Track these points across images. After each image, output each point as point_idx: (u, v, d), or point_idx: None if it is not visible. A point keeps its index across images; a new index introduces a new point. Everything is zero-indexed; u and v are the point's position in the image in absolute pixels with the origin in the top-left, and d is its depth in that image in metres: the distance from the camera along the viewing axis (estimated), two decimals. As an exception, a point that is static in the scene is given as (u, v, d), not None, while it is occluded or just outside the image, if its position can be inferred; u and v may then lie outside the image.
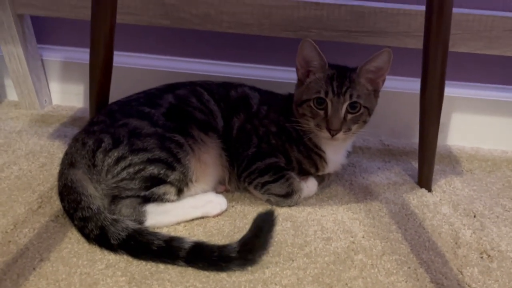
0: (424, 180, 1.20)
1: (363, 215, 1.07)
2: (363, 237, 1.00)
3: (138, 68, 1.46)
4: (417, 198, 1.15)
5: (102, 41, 1.10)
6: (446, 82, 1.07)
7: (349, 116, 1.02)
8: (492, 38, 1.24)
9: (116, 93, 1.15)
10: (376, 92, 1.07)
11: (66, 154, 1.03)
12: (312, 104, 1.03)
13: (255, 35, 1.32)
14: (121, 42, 1.41)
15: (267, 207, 1.07)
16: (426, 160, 1.17)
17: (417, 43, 1.21)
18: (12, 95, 1.56)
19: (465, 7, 1.24)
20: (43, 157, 1.22)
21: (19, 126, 1.40)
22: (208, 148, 1.04)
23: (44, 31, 1.49)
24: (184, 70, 1.44)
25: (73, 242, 0.93)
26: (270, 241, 0.93)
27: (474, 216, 1.09)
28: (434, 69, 1.05)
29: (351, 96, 1.01)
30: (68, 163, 1.00)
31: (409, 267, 0.92)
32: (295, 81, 1.10)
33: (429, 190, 1.19)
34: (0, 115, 1.46)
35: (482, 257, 0.96)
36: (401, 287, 0.87)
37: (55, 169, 1.06)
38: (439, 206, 1.12)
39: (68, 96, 1.56)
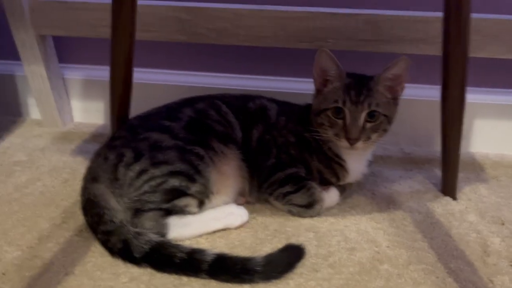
0: (448, 188, 1.17)
1: (387, 225, 1.05)
2: (387, 246, 0.98)
3: (157, 84, 1.48)
4: (442, 207, 1.12)
5: (122, 58, 1.12)
6: (468, 88, 1.05)
7: (368, 125, 1.01)
8: (512, 42, 1.23)
9: (136, 109, 1.17)
10: (395, 100, 1.06)
11: (88, 169, 1.05)
12: (330, 114, 1.03)
13: (271, 47, 1.33)
14: (140, 59, 1.43)
15: (289, 218, 1.06)
16: (449, 168, 1.15)
17: (436, 50, 1.20)
18: (35, 113, 1.60)
19: (484, 12, 1.22)
20: (66, 173, 1.24)
21: (42, 143, 1.42)
22: (228, 160, 1.04)
23: (65, 50, 1.53)
24: (202, 84, 1.46)
25: (97, 255, 0.93)
26: (297, 264, 0.91)
27: (503, 224, 1.06)
28: (455, 76, 1.03)
29: (369, 105, 1.00)
30: (90, 177, 1.02)
31: (437, 277, 0.89)
32: (313, 92, 1.10)
33: (454, 198, 1.16)
34: (23, 133, 1.50)
35: (512, 265, 0.93)
36: (429, 297, 0.85)
37: (77, 185, 1.07)
38: (465, 214, 1.09)
39: (89, 113, 1.59)
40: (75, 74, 1.54)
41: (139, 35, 1.25)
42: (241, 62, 1.45)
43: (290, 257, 0.91)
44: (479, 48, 1.24)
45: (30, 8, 1.37)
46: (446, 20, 0.98)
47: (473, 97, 1.36)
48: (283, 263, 0.89)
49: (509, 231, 1.03)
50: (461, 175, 1.24)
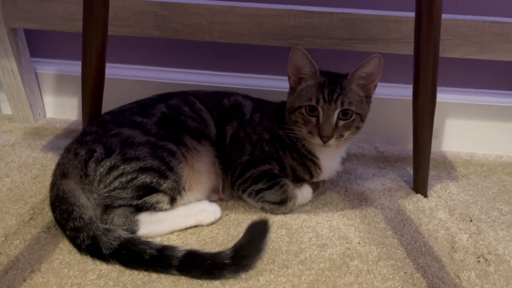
0: (420, 186, 1.19)
1: (359, 221, 1.06)
2: (358, 243, 0.99)
3: (131, 80, 1.46)
4: (413, 204, 1.14)
5: (94, 53, 1.10)
6: (439, 88, 1.07)
7: (341, 122, 1.02)
8: (483, 43, 1.25)
9: (109, 104, 1.15)
10: (368, 98, 1.07)
11: (58, 164, 1.03)
12: (304, 112, 1.03)
13: (246, 45, 1.32)
14: (114, 54, 1.41)
15: (262, 215, 1.06)
16: (420, 166, 1.17)
17: (409, 50, 1.21)
18: (6, 108, 1.56)
19: (455, 13, 1.25)
20: (36, 169, 1.22)
21: (13, 139, 1.39)
22: (201, 156, 1.04)
23: (37, 44, 1.50)
24: (177, 81, 1.44)
25: (65, 253, 0.91)
26: (264, 246, 0.92)
27: (471, 221, 1.08)
28: (426, 75, 1.05)
29: (342, 103, 1.01)
30: (60, 173, 1.00)
31: (405, 272, 0.90)
32: (288, 90, 1.10)
33: (425, 195, 1.18)
34: (-7, 128, 1.46)
35: (479, 261, 0.95)
36: (397, 292, 0.86)
37: (47, 181, 1.05)
38: (435, 211, 1.11)
39: (62, 109, 1.55)
40: (48, 69, 1.51)
41: (114, 30, 1.24)
42: (217, 59, 1.45)
43: (256, 238, 0.90)
44: (450, 48, 1.26)
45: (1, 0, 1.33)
46: (418, 20, 1.00)
47: (445, 97, 1.38)
48: (251, 249, 0.88)
49: (476, 228, 1.05)
50: (432, 173, 1.26)
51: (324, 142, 1.01)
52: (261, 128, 1.12)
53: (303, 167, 1.10)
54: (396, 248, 0.97)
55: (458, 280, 0.89)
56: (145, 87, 1.42)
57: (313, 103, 1.01)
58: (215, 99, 1.16)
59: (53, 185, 0.99)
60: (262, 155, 1.09)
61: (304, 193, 1.11)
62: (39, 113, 1.54)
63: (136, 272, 0.87)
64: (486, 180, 1.27)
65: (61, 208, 0.94)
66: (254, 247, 0.89)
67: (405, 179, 1.26)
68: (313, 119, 1.02)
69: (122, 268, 0.87)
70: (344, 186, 1.21)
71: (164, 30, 1.32)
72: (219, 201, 1.10)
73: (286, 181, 1.06)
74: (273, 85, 1.41)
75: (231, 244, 0.93)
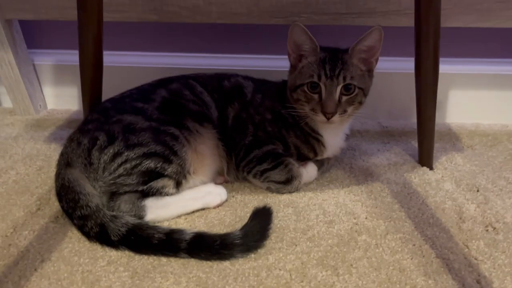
0: (425, 159, 1.18)
1: (365, 197, 1.06)
2: (366, 218, 0.99)
3: (130, 66, 1.45)
4: (419, 177, 1.13)
5: (91, 40, 1.09)
6: (442, 59, 1.06)
7: (344, 98, 1.01)
8: (483, 10, 1.23)
9: (109, 92, 1.14)
10: (370, 72, 1.06)
11: (61, 154, 1.02)
12: (306, 89, 1.02)
13: (245, 25, 1.31)
14: (111, 41, 1.40)
15: (268, 195, 1.06)
16: (425, 139, 1.16)
17: (409, 21, 1.20)
18: (6, 101, 1.55)
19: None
20: (40, 161, 1.22)
21: (15, 131, 1.39)
22: (204, 139, 1.03)
23: (33, 35, 1.48)
24: (176, 65, 1.43)
25: (74, 241, 0.92)
26: (272, 225, 0.93)
27: (478, 191, 1.08)
28: (427, 46, 1.03)
29: (344, 78, 1.00)
30: (64, 163, 0.99)
31: (414, 245, 0.90)
32: (288, 69, 1.09)
33: (431, 168, 1.17)
34: (-5, 122, 1.46)
35: (487, 230, 0.95)
36: (406, 264, 0.86)
37: (52, 172, 1.05)
38: (442, 183, 1.11)
39: (63, 99, 1.55)
40: (46, 60, 1.50)
41: (109, 16, 1.22)
42: (216, 41, 1.43)
43: (261, 221, 0.92)
44: (452, 17, 1.24)
45: (-6, -9, 1.32)
46: (418, -11, 0.98)
47: (448, 68, 1.36)
48: (258, 230, 0.90)
49: (483, 197, 1.05)
50: (437, 145, 1.25)
51: (328, 119, 1.00)
52: (263, 108, 1.11)
53: (307, 145, 1.10)
54: (403, 221, 0.97)
55: (467, 249, 0.89)
56: (145, 73, 1.41)
57: (315, 79, 1.00)
58: (216, 82, 1.15)
59: (58, 175, 0.99)
60: (265, 135, 1.08)
61: (309, 171, 1.10)
62: (40, 105, 1.53)
63: (145, 257, 0.87)
64: (492, 150, 1.27)
65: (68, 197, 0.94)
66: (262, 227, 0.90)
67: (410, 152, 1.26)
68: (316, 96, 1.01)
69: (132, 254, 0.88)
70: (349, 162, 1.21)
71: (161, 13, 1.30)
72: (225, 183, 1.10)
73: (291, 160, 1.06)
74: (274, 64, 1.39)
75: (238, 225, 0.93)
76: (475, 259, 0.87)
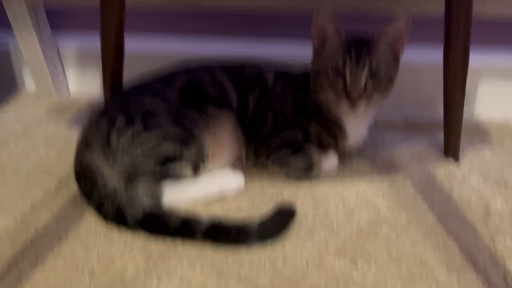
0: (451, 151, 1.14)
1: (387, 188, 1.03)
2: (387, 209, 0.96)
3: (152, 52, 1.44)
4: (444, 169, 1.10)
5: (112, 24, 1.08)
6: (472, 49, 1.01)
7: (369, 84, 0.98)
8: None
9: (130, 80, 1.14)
10: (396, 59, 1.02)
11: (81, 136, 1.03)
12: (329, 74, 0.99)
13: (269, 10, 1.28)
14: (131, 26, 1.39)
15: (286, 182, 1.04)
16: (452, 131, 1.12)
17: (440, 8, 1.15)
18: (30, 85, 1.57)
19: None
20: (61, 143, 1.22)
21: (37, 114, 1.40)
22: (223, 124, 1.02)
23: (58, 18, 1.49)
24: (198, 51, 1.41)
25: (91, 222, 0.92)
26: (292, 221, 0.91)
27: (505, 185, 1.03)
28: (457, 34, 0.99)
29: (370, 63, 0.96)
30: (83, 144, 1.00)
31: (436, 238, 0.87)
32: (311, 56, 1.06)
33: (456, 160, 1.13)
34: (18, 104, 1.48)
35: (515, 226, 0.91)
36: (428, 257, 0.83)
37: (73, 155, 1.04)
38: (467, 176, 1.07)
39: (86, 83, 1.55)
40: (69, 43, 1.50)
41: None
42: (238, 26, 1.41)
43: (282, 220, 0.90)
44: (483, 4, 1.18)
45: (20, -24, 1.33)
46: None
47: (477, 59, 1.31)
48: (277, 227, 0.88)
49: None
50: (464, 139, 1.20)
51: (353, 105, 0.97)
52: (285, 96, 1.09)
53: (329, 134, 1.07)
54: (426, 214, 0.94)
55: (493, 245, 0.86)
56: (165, 59, 1.40)
57: (340, 64, 0.97)
58: (237, 68, 1.13)
59: (77, 156, 0.99)
60: (286, 122, 1.06)
61: (330, 159, 1.08)
62: (63, 88, 1.54)
63: (161, 241, 0.86)
64: (522, 145, 1.21)
65: (86, 178, 0.94)
66: (281, 223, 0.89)
67: (435, 145, 1.21)
68: (340, 82, 0.98)
69: (147, 236, 0.87)
70: (371, 153, 1.18)
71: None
72: (243, 169, 1.08)
73: (311, 146, 1.04)
74: (297, 52, 1.36)
75: (255, 212, 0.92)
76: (502, 254, 0.83)
